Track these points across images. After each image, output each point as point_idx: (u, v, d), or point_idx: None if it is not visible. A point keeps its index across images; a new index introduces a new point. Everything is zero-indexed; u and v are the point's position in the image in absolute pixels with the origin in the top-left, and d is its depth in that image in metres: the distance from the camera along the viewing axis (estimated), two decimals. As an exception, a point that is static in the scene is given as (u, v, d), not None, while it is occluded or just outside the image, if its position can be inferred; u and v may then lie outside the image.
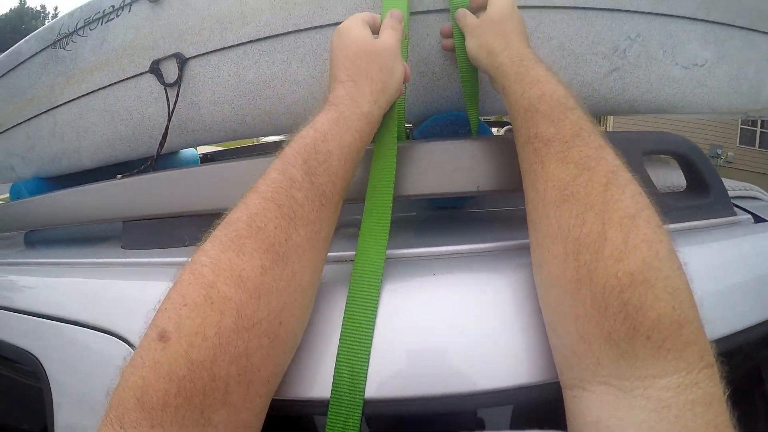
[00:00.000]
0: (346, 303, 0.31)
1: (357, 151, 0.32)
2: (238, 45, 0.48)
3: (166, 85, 0.51)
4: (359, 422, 0.28)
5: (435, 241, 0.40)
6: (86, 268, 0.50)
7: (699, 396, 0.22)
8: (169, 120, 0.51)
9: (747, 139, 9.09)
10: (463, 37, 0.42)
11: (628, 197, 0.27)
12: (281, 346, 0.26)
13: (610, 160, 0.29)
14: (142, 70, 0.54)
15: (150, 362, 0.22)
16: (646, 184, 0.43)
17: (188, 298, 0.24)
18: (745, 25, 0.67)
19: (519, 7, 0.47)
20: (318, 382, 0.30)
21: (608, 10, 0.53)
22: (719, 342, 0.35)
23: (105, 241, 0.61)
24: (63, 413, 0.39)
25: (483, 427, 0.32)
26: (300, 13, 0.46)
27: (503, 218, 0.51)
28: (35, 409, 0.42)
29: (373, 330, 0.30)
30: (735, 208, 0.53)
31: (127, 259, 0.47)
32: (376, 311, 0.31)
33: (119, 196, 0.52)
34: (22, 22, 23.56)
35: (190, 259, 0.26)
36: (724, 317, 0.37)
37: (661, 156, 0.62)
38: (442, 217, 0.51)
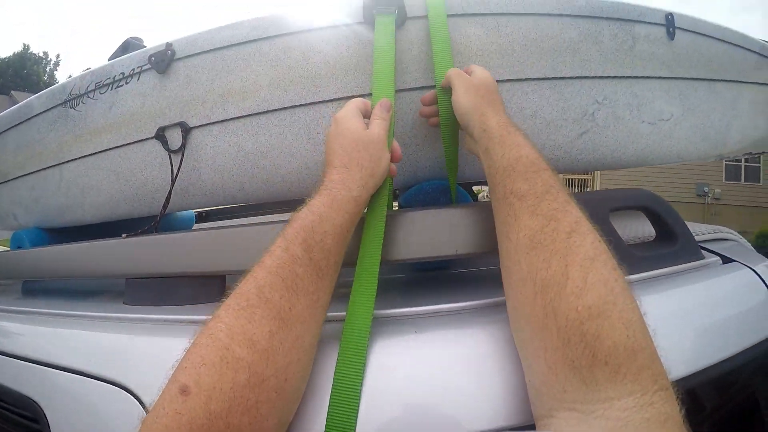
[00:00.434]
0: (337, 359, 0.34)
1: (348, 230, 0.36)
2: (238, 118, 0.52)
3: (171, 152, 0.55)
4: None
5: (417, 301, 0.43)
6: (92, 321, 0.52)
7: (653, 415, 0.25)
8: (173, 184, 0.54)
9: (732, 174, 9.31)
10: (449, 105, 0.46)
11: (588, 243, 0.31)
12: (287, 399, 0.30)
13: (575, 213, 0.33)
14: (148, 136, 0.57)
15: (172, 413, 0.25)
16: (613, 237, 0.47)
17: (206, 359, 0.27)
18: (706, 77, 0.73)
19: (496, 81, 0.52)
20: None
21: (576, 78, 0.58)
22: (691, 377, 0.39)
23: (105, 295, 0.63)
24: None
25: None
26: (295, 90, 0.50)
27: (481, 277, 0.54)
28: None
29: (362, 384, 0.33)
30: (704, 252, 0.57)
31: (130, 315, 0.49)
32: (364, 367, 0.34)
33: (124, 255, 0.55)
34: (24, 66, 23.99)
35: (206, 325, 0.30)
36: (690, 356, 0.41)
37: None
38: (425, 279, 0.54)
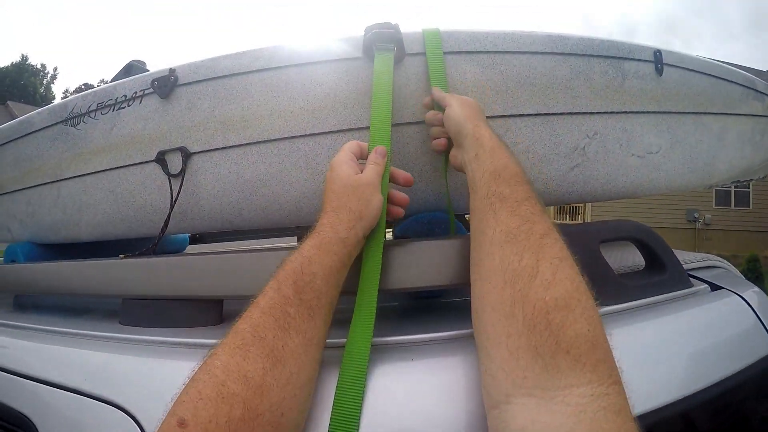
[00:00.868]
0: (337, 385, 0.35)
1: (338, 270, 0.38)
2: (238, 145, 0.53)
3: (171, 176, 0.56)
4: None
5: (414, 329, 0.44)
6: (87, 339, 0.52)
7: (609, 404, 0.26)
8: (172, 208, 0.55)
9: (722, 199, 9.46)
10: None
11: (558, 247, 0.33)
12: None
13: (548, 222, 0.36)
14: (148, 159, 0.58)
15: None
16: (603, 268, 0.49)
17: (203, 393, 0.29)
18: (694, 110, 0.75)
19: (489, 117, 0.54)
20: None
21: (568, 114, 0.60)
22: (680, 402, 0.40)
23: (99, 313, 0.63)
24: None
25: None
26: (296, 121, 0.52)
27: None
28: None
29: (361, 410, 0.34)
30: (693, 280, 0.58)
31: (126, 335, 0.50)
32: (363, 393, 0.35)
33: (121, 275, 0.55)
34: (21, 77, 24.00)
35: (204, 361, 0.31)
36: (679, 382, 0.42)
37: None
38: (421, 307, 0.55)
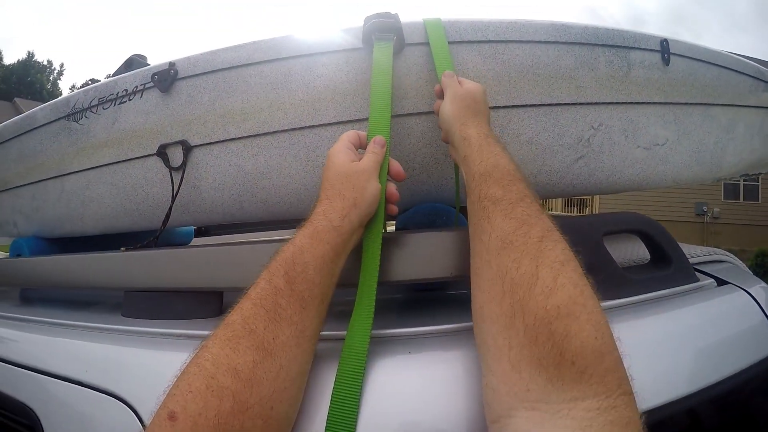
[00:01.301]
0: (336, 378, 0.35)
1: (331, 260, 0.36)
2: (239, 138, 0.53)
3: (172, 169, 0.56)
4: None
5: (413, 322, 0.44)
6: (89, 331, 0.52)
7: (616, 418, 0.25)
8: (173, 201, 0.55)
9: (731, 193, 9.34)
10: None
11: (559, 249, 0.32)
12: (274, 427, 0.30)
13: (547, 222, 0.34)
14: (150, 152, 0.58)
15: None
16: (607, 260, 0.48)
17: (193, 386, 0.28)
18: (702, 101, 0.74)
19: (491, 107, 0.53)
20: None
21: (572, 104, 0.59)
22: (685, 399, 0.40)
23: (103, 306, 0.64)
24: None
25: None
26: (295, 113, 0.51)
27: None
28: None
29: (359, 403, 0.34)
30: (699, 274, 0.57)
31: (128, 327, 0.50)
32: (362, 386, 0.35)
33: (123, 268, 0.55)
34: (27, 74, 24.19)
35: (195, 354, 0.31)
36: (684, 378, 0.42)
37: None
38: (421, 299, 0.55)
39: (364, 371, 0.35)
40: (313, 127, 0.51)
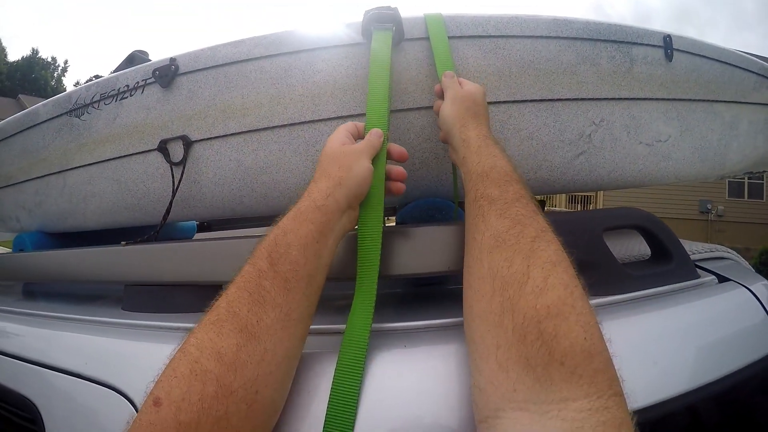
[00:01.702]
0: (335, 370, 0.35)
1: (316, 240, 0.36)
2: (239, 133, 0.53)
3: (172, 164, 0.56)
4: None
5: (410, 316, 0.44)
6: (90, 325, 0.53)
7: (608, 418, 0.24)
8: (174, 195, 0.55)
9: (735, 191, 9.26)
10: None
11: (552, 250, 0.31)
12: (259, 411, 0.30)
13: (541, 222, 0.33)
14: (151, 148, 0.58)
15: (146, 423, 0.27)
16: (606, 256, 0.48)
17: (177, 371, 0.28)
18: (705, 98, 0.73)
19: (492, 102, 0.53)
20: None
21: (573, 100, 0.58)
22: (684, 396, 0.39)
23: (104, 300, 0.64)
24: None
25: None
26: (295, 108, 0.51)
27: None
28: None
29: (359, 395, 0.34)
30: (700, 271, 0.56)
31: (128, 321, 0.50)
32: (362, 378, 0.35)
33: (123, 262, 0.56)
34: (32, 70, 24.32)
35: (183, 341, 0.31)
36: (684, 375, 0.41)
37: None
38: (421, 294, 0.55)
39: (365, 363, 0.35)
40: (312, 122, 0.51)
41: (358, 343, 0.36)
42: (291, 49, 0.52)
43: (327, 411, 0.33)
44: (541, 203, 0.89)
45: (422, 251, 0.44)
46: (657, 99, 0.67)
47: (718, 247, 0.76)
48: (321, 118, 0.51)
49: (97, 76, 0.78)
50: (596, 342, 0.27)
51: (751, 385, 0.47)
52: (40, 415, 0.44)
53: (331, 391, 0.34)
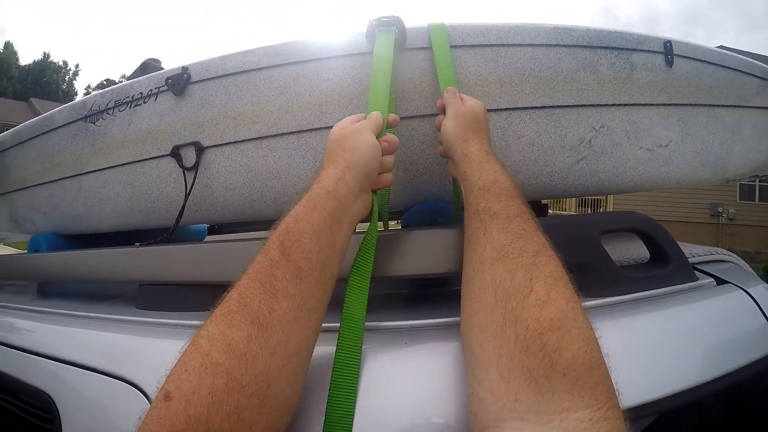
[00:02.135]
0: (333, 367, 0.36)
1: (329, 226, 0.35)
2: (249, 140, 0.55)
3: (185, 169, 0.58)
4: None
5: (411, 315, 0.45)
6: (105, 322, 0.55)
7: (608, 429, 0.24)
8: (186, 200, 0.57)
9: (746, 194, 9.13)
10: None
11: (553, 265, 0.32)
12: (272, 406, 0.29)
13: (542, 238, 0.34)
14: (164, 153, 0.61)
15: (156, 418, 0.26)
16: (603, 259, 0.49)
17: (188, 365, 0.28)
18: (706, 102, 0.74)
19: (493, 110, 0.55)
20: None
21: (573, 106, 0.59)
22: (675, 396, 0.40)
23: (117, 299, 0.66)
24: None
25: None
26: (303, 116, 0.53)
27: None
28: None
29: (357, 390, 0.34)
30: (698, 273, 0.57)
31: (140, 318, 0.52)
32: (359, 374, 0.36)
33: (137, 262, 0.58)
34: (43, 74, 24.66)
35: (194, 334, 0.30)
36: (677, 376, 0.42)
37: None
38: (422, 294, 0.56)
39: (361, 359, 0.36)
40: (319, 129, 0.53)
41: (353, 339, 0.36)
42: (298, 59, 0.53)
43: (327, 403, 0.34)
44: (544, 207, 0.90)
45: (422, 253, 0.45)
46: (657, 104, 0.67)
47: (719, 250, 0.76)
48: (328, 125, 0.53)
49: (108, 80, 0.81)
50: (596, 355, 0.28)
51: (749, 387, 0.48)
52: (57, 408, 0.46)
53: (330, 385, 0.34)
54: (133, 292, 0.59)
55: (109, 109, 0.68)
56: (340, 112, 0.53)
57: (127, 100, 0.66)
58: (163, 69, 0.66)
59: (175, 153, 0.59)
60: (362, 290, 0.39)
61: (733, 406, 0.49)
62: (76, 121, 0.73)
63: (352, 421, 0.33)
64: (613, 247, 0.62)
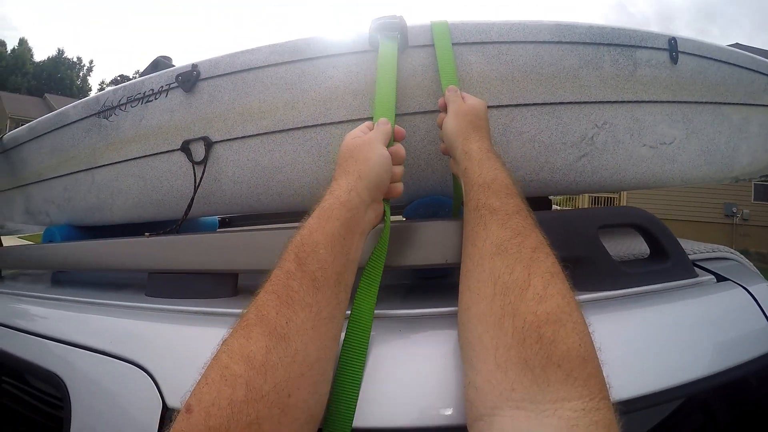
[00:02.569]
0: (341, 350, 0.37)
1: (343, 237, 0.36)
2: (256, 135, 0.57)
3: (195, 163, 0.60)
4: None
5: (411, 305, 0.47)
6: (115, 308, 0.57)
7: (600, 419, 0.26)
8: (195, 192, 0.59)
9: (762, 194, 8.92)
10: None
11: (550, 262, 0.33)
12: (294, 416, 0.29)
13: (540, 236, 0.35)
14: (174, 148, 0.62)
15: (178, 431, 0.27)
16: (601, 253, 0.49)
17: (208, 378, 0.29)
18: (712, 100, 0.73)
19: (494, 106, 0.55)
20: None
21: (575, 103, 0.60)
22: (669, 392, 0.40)
23: (128, 288, 0.68)
24: (79, 429, 0.46)
25: None
26: (308, 112, 0.55)
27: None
28: (53, 427, 0.49)
29: (363, 372, 0.36)
30: (698, 270, 0.57)
31: (149, 305, 0.54)
32: (366, 357, 0.37)
33: (147, 252, 0.60)
34: (57, 70, 25.01)
35: (215, 350, 0.31)
36: (669, 371, 0.42)
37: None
38: (424, 285, 0.58)
39: (369, 344, 0.37)
40: (324, 125, 0.55)
41: (362, 326, 0.38)
42: (304, 56, 0.55)
43: (333, 384, 0.35)
44: (547, 202, 0.90)
45: (421, 245, 0.46)
46: (662, 102, 0.67)
47: (721, 247, 0.76)
48: (332, 121, 0.54)
49: (122, 76, 0.83)
50: (589, 349, 0.29)
51: (745, 385, 0.48)
52: (67, 388, 0.48)
53: (337, 369, 0.36)
54: (142, 281, 0.61)
55: (122, 104, 0.70)
56: (344, 108, 0.54)
57: (139, 96, 0.68)
58: (173, 66, 0.67)
59: (185, 147, 0.61)
60: (373, 284, 0.40)
61: (730, 404, 0.49)
62: (90, 116, 0.74)
63: (356, 399, 0.35)
64: (616, 243, 0.63)
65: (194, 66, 0.59)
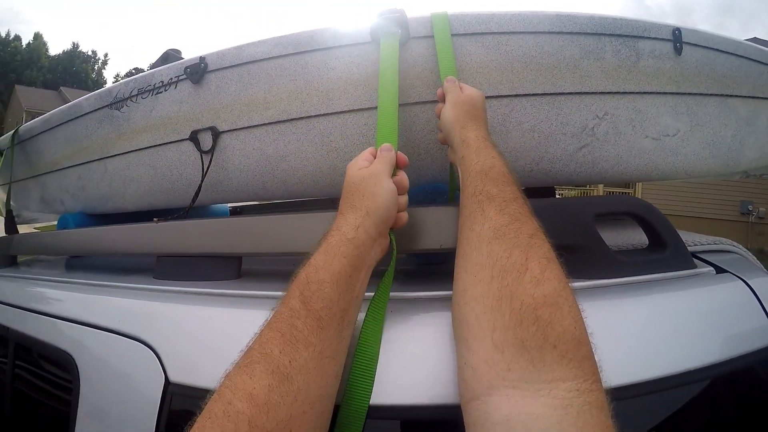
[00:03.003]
0: (361, 329, 0.38)
1: (349, 275, 0.36)
2: (261, 125, 0.58)
3: (202, 152, 0.62)
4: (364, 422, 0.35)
5: (409, 288, 0.48)
6: (125, 290, 0.59)
7: (593, 399, 0.26)
8: (203, 180, 0.61)
9: (779, 192, 8.67)
10: None
11: (546, 248, 0.34)
12: None
13: (536, 223, 0.36)
14: (183, 137, 0.65)
15: None
16: (596, 241, 0.50)
17: (212, 413, 0.29)
18: (718, 92, 0.72)
19: (494, 96, 0.56)
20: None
21: (575, 93, 0.60)
22: (660, 381, 0.40)
23: (137, 271, 0.71)
24: (87, 402, 0.49)
25: None
26: (311, 102, 0.56)
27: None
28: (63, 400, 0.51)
29: (379, 351, 0.37)
30: (697, 261, 0.56)
31: (156, 286, 0.56)
32: (381, 335, 0.38)
33: (155, 237, 0.62)
34: (72, 64, 25.32)
35: (218, 384, 0.31)
36: (660, 361, 0.42)
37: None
38: (421, 271, 0.59)
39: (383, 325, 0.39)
40: (326, 114, 0.56)
41: (370, 356, 0.38)
42: (307, 48, 0.56)
43: (353, 360, 0.36)
44: (549, 190, 0.90)
45: (416, 230, 0.47)
46: (665, 93, 0.66)
47: (724, 240, 0.74)
48: (334, 111, 0.56)
49: (137, 69, 0.85)
50: (583, 332, 0.30)
51: (741, 377, 0.47)
52: (76, 364, 0.51)
53: (358, 343, 0.37)
54: (151, 265, 0.64)
55: (133, 96, 0.72)
56: (346, 99, 0.55)
57: (149, 88, 0.70)
58: (182, 59, 0.69)
59: (194, 137, 0.63)
60: (379, 317, 0.40)
61: (723, 396, 0.49)
62: (102, 107, 0.77)
63: (374, 376, 0.36)
64: (616, 233, 0.63)
65: (202, 58, 0.61)
